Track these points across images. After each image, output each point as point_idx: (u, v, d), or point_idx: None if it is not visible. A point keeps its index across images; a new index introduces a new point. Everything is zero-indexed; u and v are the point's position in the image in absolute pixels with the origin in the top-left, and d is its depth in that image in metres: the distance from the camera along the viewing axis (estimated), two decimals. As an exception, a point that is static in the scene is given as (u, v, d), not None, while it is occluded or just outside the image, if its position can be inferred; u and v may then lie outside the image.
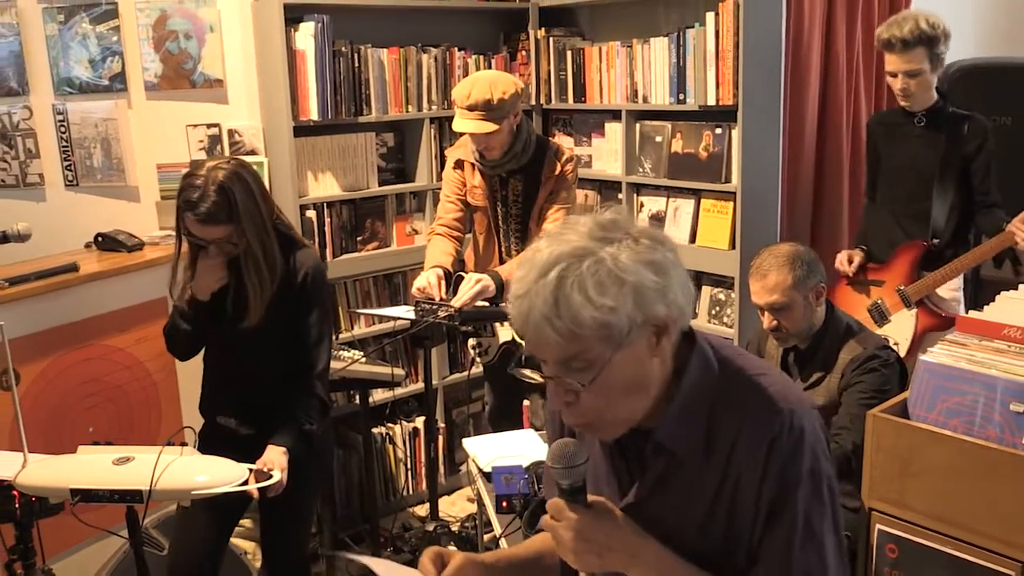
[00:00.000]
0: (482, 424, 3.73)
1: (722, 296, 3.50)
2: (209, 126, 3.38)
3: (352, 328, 3.61)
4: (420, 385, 3.66)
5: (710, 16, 3.25)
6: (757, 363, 1.27)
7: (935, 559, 1.75)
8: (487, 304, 2.82)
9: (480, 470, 2.56)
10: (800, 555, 1.18)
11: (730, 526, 1.20)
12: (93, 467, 1.96)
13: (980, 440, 1.68)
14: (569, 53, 3.83)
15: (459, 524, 3.32)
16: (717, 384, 1.22)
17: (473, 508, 3.50)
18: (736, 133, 3.28)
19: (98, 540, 2.71)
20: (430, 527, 3.05)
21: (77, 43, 3.17)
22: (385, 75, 3.55)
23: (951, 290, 3.01)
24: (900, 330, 2.99)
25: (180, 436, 2.39)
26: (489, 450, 2.60)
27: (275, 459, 2.17)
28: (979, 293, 3.69)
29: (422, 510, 3.68)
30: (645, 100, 3.58)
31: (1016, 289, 1.95)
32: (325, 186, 3.51)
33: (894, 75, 2.90)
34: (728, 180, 3.36)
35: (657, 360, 1.18)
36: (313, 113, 3.33)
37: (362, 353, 3.09)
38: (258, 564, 2.78)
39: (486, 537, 2.85)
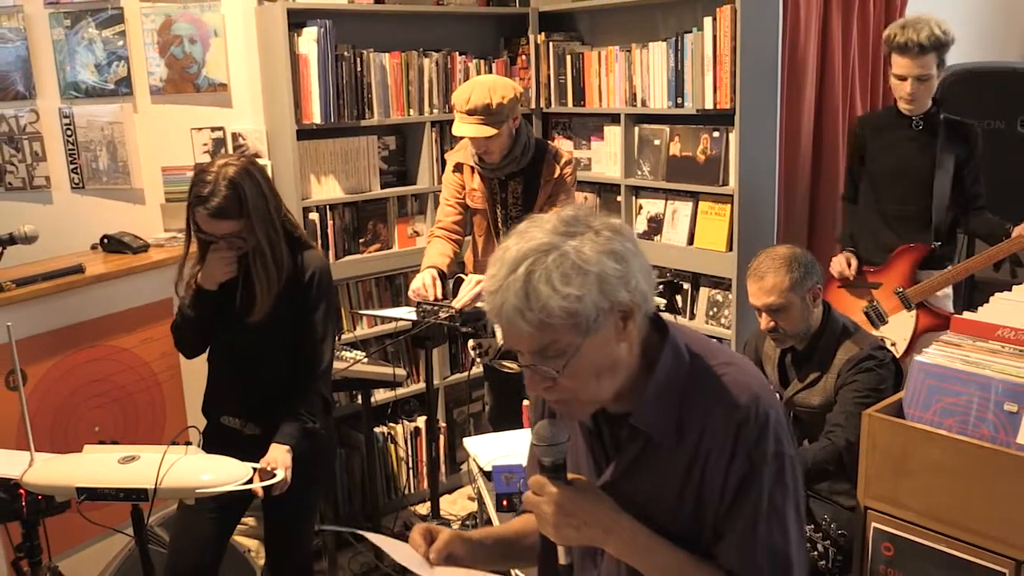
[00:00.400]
0: (482, 424, 3.75)
1: (720, 297, 3.53)
2: (213, 129, 3.40)
3: (354, 329, 3.63)
4: (421, 385, 3.68)
5: (708, 21, 3.28)
6: (725, 354, 1.34)
7: (930, 557, 1.77)
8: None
9: (480, 469, 2.57)
10: (764, 530, 1.25)
11: (699, 505, 1.26)
12: (99, 466, 1.97)
13: (974, 440, 1.70)
14: (569, 57, 3.85)
15: (460, 522, 3.34)
16: (688, 373, 1.28)
17: (474, 506, 3.52)
18: (733, 136, 3.30)
19: (104, 538, 2.73)
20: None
21: (83, 48, 3.19)
22: (387, 79, 3.57)
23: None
24: (898, 330, 2.99)
25: (184, 436, 2.41)
26: (489, 449, 2.62)
27: (279, 458, 2.18)
28: (974, 294, 3.71)
29: (423, 508, 3.70)
30: (644, 104, 3.61)
31: (1010, 291, 1.98)
32: (328, 189, 3.54)
33: (903, 78, 2.85)
34: (726, 183, 3.38)
35: (625, 344, 1.24)
36: (316, 116, 3.35)
37: (364, 354, 3.11)
38: (261, 562, 2.80)
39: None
